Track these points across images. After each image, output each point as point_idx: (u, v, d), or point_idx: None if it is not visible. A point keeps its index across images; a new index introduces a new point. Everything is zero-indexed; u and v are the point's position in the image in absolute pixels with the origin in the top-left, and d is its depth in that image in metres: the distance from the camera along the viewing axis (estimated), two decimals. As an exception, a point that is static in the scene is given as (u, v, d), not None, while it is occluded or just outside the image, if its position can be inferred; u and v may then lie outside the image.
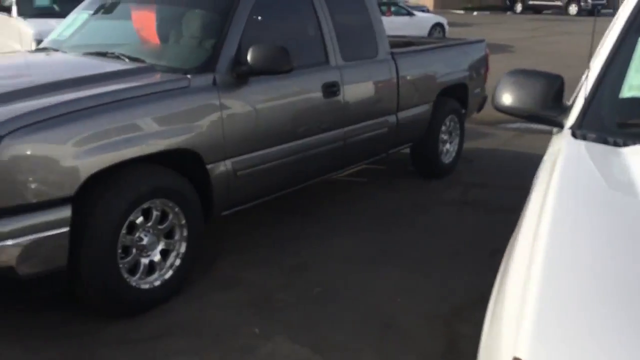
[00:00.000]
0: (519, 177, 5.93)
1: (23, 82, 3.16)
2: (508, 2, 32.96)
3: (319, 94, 4.07)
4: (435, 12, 23.38)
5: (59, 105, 2.78)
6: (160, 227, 3.20)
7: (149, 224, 3.14)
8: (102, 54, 3.70)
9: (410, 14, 17.02)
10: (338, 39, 4.28)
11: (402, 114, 4.96)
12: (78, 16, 4.24)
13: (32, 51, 4.01)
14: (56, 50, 3.92)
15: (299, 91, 3.94)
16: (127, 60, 3.56)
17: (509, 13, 33.31)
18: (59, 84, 3.04)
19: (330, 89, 4.14)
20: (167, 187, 3.15)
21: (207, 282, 3.51)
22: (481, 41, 6.17)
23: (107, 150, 2.87)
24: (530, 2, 33.17)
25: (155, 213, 3.15)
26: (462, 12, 32.62)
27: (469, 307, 3.34)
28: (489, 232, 4.47)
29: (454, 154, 5.86)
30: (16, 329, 3.01)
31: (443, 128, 5.58)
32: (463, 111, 5.91)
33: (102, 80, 3.17)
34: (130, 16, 4.08)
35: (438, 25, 17.72)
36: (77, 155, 2.76)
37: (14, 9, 7.64)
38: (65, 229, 2.74)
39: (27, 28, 7.32)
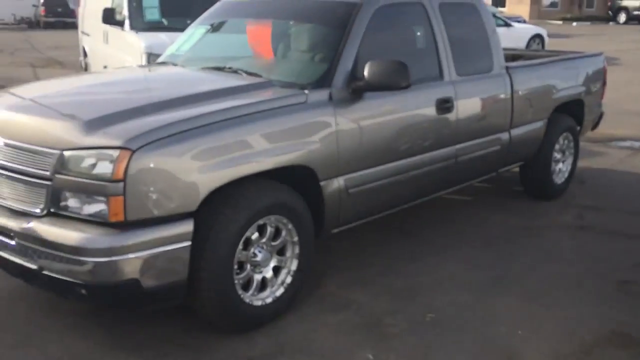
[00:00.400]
0: (638, 200, 5.52)
1: (149, 97, 3.24)
2: (610, 13, 31.24)
3: (432, 110, 3.92)
4: (530, 23, 22.53)
5: (184, 121, 2.80)
6: (273, 243, 3.17)
7: (263, 240, 3.11)
8: (219, 69, 3.74)
9: (507, 24, 16.44)
10: (453, 52, 4.12)
11: (515, 132, 4.71)
12: (195, 31, 4.33)
13: (151, 65, 4.14)
14: (175, 64, 4.01)
15: (413, 107, 3.81)
16: (244, 74, 3.57)
17: (611, 24, 31.59)
18: (182, 99, 3.08)
19: (444, 105, 3.98)
20: (283, 203, 3.10)
21: (315, 302, 3.44)
22: (599, 54, 5.79)
23: (228, 165, 2.86)
24: (636, 13, 31.27)
25: (269, 229, 3.12)
26: (560, 22, 31.29)
27: (601, 344, 3.06)
28: (611, 260, 4.14)
29: (566, 174, 5.51)
30: (132, 339, 3.05)
31: (556, 146, 5.26)
32: (578, 128, 5.55)
33: (223, 95, 3.18)
34: (246, 31, 4.12)
35: (537, 36, 17.00)
36: (200, 170, 2.77)
37: (127, 23, 8.01)
38: (187, 243, 2.75)
39: (139, 41, 7.64)
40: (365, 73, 3.36)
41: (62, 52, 18.56)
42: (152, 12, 8.28)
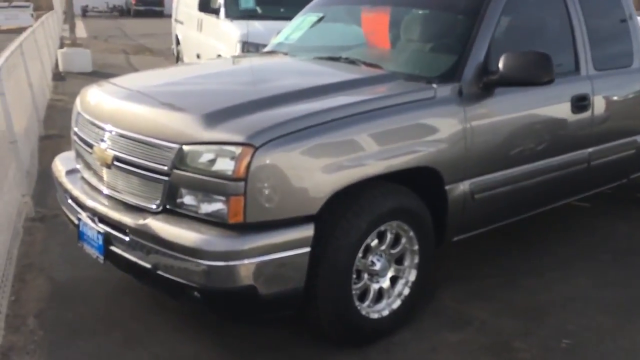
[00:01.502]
0: None
1: (266, 89, 3.01)
2: None
3: (567, 109, 3.51)
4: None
5: (308, 116, 2.57)
6: (392, 251, 2.90)
7: (383, 248, 2.85)
8: (335, 59, 3.48)
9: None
10: (590, 43, 3.68)
11: (652, 134, 4.19)
12: (304, 19, 4.09)
13: (260, 55, 3.93)
14: (285, 53, 3.79)
15: (546, 104, 3.41)
16: (362, 65, 3.30)
17: None
18: (302, 92, 2.84)
19: (580, 103, 3.55)
20: (405, 208, 2.83)
21: (431, 316, 3.14)
22: None
23: (353, 165, 2.61)
24: None
25: (389, 236, 2.85)
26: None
27: None
28: None
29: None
30: (241, 346, 2.88)
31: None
32: None
33: (346, 88, 2.92)
34: (360, 19, 3.84)
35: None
36: (325, 169, 2.53)
37: (222, 11, 7.94)
38: (306, 249, 2.52)
39: (234, 29, 7.55)
40: (501, 66, 3.01)
41: (152, 40, 19.07)
42: (247, 0, 8.17)
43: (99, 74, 10.97)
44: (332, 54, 3.58)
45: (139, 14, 32.29)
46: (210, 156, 2.47)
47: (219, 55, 7.53)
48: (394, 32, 3.60)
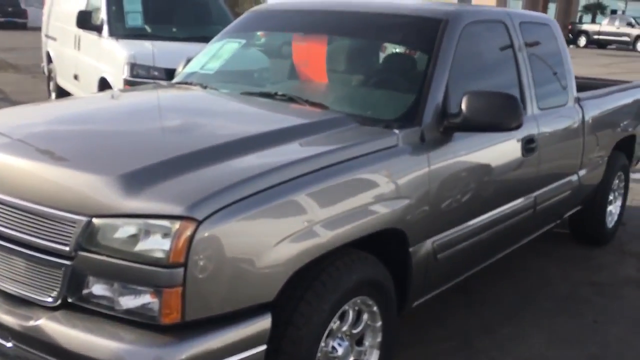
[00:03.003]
0: None
1: (194, 137, 2.38)
2: (571, 36, 31.72)
3: (518, 151, 3.24)
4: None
5: (259, 177, 2.00)
6: (354, 331, 2.40)
7: (344, 329, 2.35)
8: (267, 95, 2.94)
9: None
10: (534, 81, 3.47)
11: (582, 173, 4.10)
12: (222, 45, 3.48)
13: (171, 87, 3.23)
14: (204, 86, 3.14)
15: (500, 148, 3.11)
16: (305, 104, 2.79)
17: (571, 47, 32.14)
18: (242, 142, 2.24)
19: (529, 145, 3.31)
20: (372, 280, 2.35)
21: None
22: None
23: (315, 235, 2.08)
24: (595, 37, 31.88)
25: (351, 314, 2.35)
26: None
27: None
28: None
29: (616, 217, 4.95)
30: None
31: (613, 187, 4.70)
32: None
33: (295, 136, 2.38)
34: (290, 47, 3.33)
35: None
36: (283, 244, 1.98)
37: (105, 29, 7.07)
38: (262, 347, 1.96)
39: (120, 49, 6.72)
40: (464, 108, 2.65)
41: (15, 55, 17.16)
42: (135, 18, 7.35)
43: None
44: (262, 88, 3.04)
45: (-3, 26, 29.32)
46: (133, 232, 1.83)
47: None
48: (334, 64, 3.14)
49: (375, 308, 2.44)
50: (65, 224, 1.87)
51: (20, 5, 30.98)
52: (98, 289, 1.86)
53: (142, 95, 3.24)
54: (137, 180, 1.91)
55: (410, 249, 2.56)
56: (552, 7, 30.97)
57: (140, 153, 2.16)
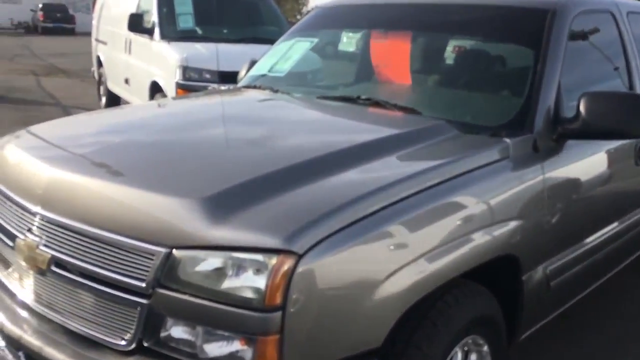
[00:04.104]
0: None
1: (279, 151, 2.07)
2: None
3: (631, 160, 2.84)
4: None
5: (363, 199, 1.68)
6: (461, 377, 2.06)
7: (451, 375, 2.01)
8: (348, 99, 2.61)
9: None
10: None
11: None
12: (293, 45, 3.18)
13: (238, 91, 2.92)
14: (274, 90, 2.84)
15: (613, 158, 2.72)
16: (395, 110, 2.45)
17: None
18: (334, 157, 1.92)
19: (642, 153, 2.90)
20: (484, 315, 2.01)
21: None
22: None
23: (426, 266, 1.75)
24: None
25: (460, 357, 2.01)
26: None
27: None
28: None
29: None
30: None
31: None
32: None
33: (392, 149, 2.02)
34: (368, 45, 3.00)
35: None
36: (392, 277, 1.66)
37: (157, 32, 6.90)
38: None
39: (172, 52, 6.53)
40: (583, 111, 2.27)
41: (64, 60, 17.42)
42: (186, 20, 7.16)
43: (5, 100, 9.49)
44: (338, 91, 2.72)
45: (47, 32, 29.88)
46: (219, 266, 1.54)
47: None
48: (422, 64, 2.79)
49: (485, 348, 2.09)
50: (141, 256, 1.59)
51: (68, 11, 31.67)
52: (178, 331, 1.58)
53: (210, 102, 2.94)
54: (223, 203, 1.61)
55: (523, 277, 2.20)
56: None
57: (221, 171, 1.86)
